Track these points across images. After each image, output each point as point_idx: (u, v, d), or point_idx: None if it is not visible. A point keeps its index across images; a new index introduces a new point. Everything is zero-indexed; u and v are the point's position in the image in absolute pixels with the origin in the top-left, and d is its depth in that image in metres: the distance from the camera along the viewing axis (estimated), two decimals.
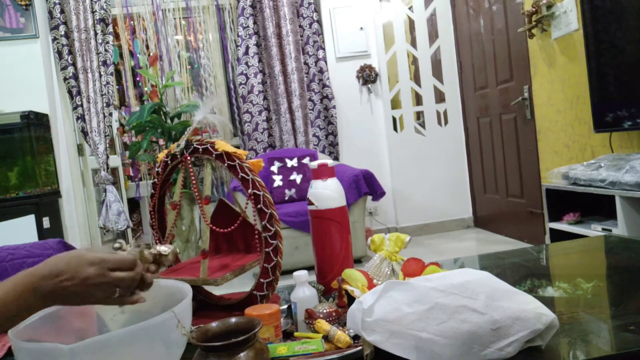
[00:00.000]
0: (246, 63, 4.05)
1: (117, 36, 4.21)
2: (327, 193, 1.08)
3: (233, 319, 0.73)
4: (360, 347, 0.74)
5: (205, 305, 1.07)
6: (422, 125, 4.36)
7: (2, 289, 0.65)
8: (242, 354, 0.66)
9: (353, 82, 4.27)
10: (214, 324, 0.72)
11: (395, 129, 4.32)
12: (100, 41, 3.86)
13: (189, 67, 4.29)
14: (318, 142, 4.17)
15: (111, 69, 3.89)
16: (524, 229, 3.58)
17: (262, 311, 0.83)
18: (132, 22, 4.15)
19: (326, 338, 0.78)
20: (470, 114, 4.23)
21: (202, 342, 0.67)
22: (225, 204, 1.14)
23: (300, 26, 4.13)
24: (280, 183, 3.68)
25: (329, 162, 1.11)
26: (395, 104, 4.32)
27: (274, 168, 3.71)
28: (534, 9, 3.02)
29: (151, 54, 4.03)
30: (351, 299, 0.87)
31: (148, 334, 0.64)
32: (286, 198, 3.65)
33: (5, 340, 0.88)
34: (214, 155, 1.00)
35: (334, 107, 4.15)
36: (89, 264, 0.66)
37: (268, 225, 0.98)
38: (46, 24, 3.85)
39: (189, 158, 1.02)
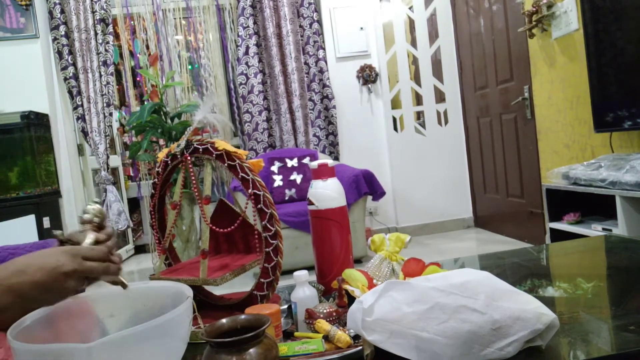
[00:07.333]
0: (246, 63, 4.05)
1: (117, 36, 4.21)
2: (327, 193, 1.08)
3: (242, 316, 0.73)
4: (360, 347, 0.74)
5: (205, 305, 1.07)
6: (422, 125, 4.36)
7: None
8: (251, 350, 0.66)
9: (353, 82, 4.27)
10: (224, 321, 0.73)
11: (395, 129, 4.32)
12: (100, 41, 3.86)
13: (189, 67, 4.29)
14: (318, 142, 4.17)
15: (111, 69, 3.89)
16: (524, 229, 3.58)
17: (262, 311, 0.83)
18: (132, 22, 4.15)
19: (326, 338, 0.78)
20: (471, 114, 4.23)
21: (212, 338, 0.68)
22: (225, 204, 1.14)
23: (301, 26, 4.13)
24: (281, 183, 3.68)
25: (329, 162, 1.11)
26: (395, 103, 4.32)
27: (274, 168, 3.71)
28: (534, 9, 3.02)
29: (151, 54, 4.03)
30: (351, 299, 0.87)
31: (162, 331, 0.64)
32: (286, 198, 3.65)
33: (8, 347, 0.87)
34: (214, 155, 1.00)
35: (334, 107, 4.15)
36: (61, 252, 0.65)
37: (268, 225, 0.98)
38: (46, 24, 3.85)
39: (189, 158, 1.02)
